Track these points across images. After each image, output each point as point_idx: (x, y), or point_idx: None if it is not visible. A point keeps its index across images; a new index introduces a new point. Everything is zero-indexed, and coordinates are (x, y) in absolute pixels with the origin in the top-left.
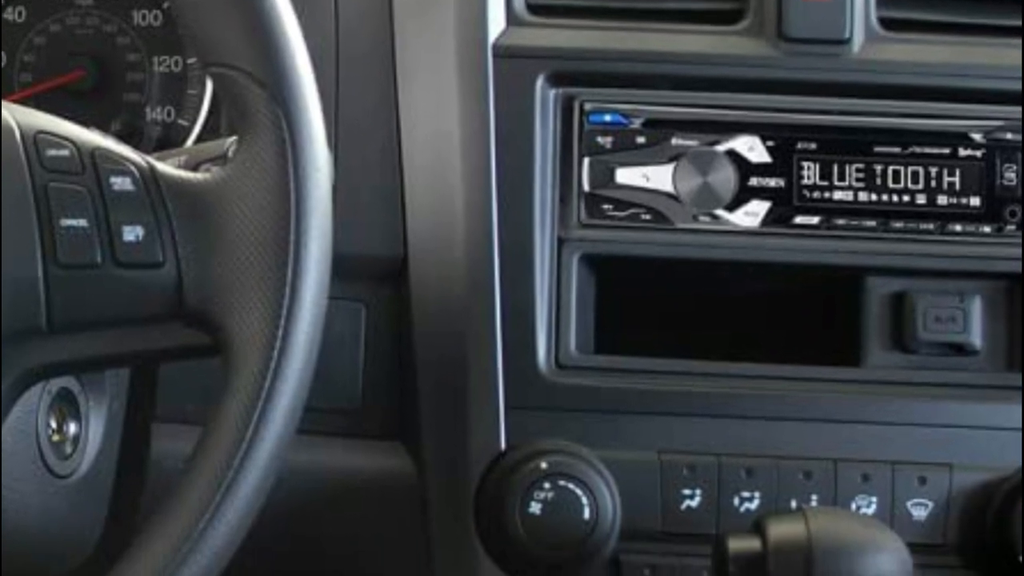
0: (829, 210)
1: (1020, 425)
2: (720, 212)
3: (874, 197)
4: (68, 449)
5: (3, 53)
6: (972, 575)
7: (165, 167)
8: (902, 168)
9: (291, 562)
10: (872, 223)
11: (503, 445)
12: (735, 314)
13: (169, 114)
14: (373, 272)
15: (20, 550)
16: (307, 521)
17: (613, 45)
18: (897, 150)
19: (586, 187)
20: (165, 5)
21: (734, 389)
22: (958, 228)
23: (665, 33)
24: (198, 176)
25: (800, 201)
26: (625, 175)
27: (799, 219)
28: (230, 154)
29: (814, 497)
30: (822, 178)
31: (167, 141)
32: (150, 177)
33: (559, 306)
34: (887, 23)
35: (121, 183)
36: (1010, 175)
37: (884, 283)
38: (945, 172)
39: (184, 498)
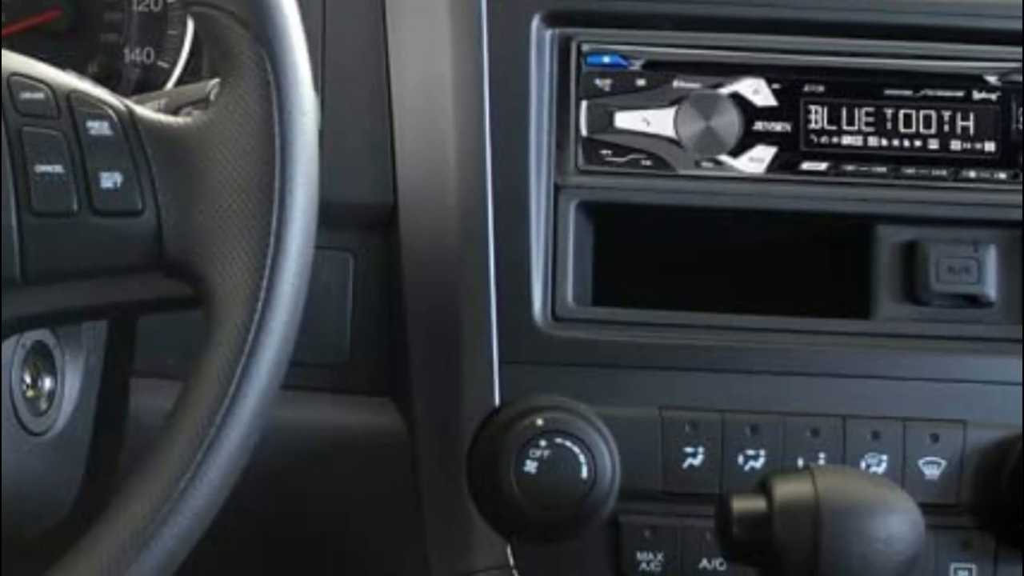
0: (838, 156)
1: None
2: (724, 158)
3: (884, 142)
4: (43, 405)
5: None
6: (986, 536)
7: (144, 111)
8: (914, 112)
9: (276, 523)
10: (882, 169)
11: (497, 401)
12: (739, 264)
13: (148, 56)
14: (361, 220)
15: None
16: (293, 480)
17: None
18: (908, 93)
19: (584, 132)
20: None
21: (738, 342)
22: (972, 174)
23: None
24: (179, 120)
25: (807, 146)
26: (624, 119)
27: (806, 165)
28: (212, 97)
29: (822, 455)
30: (830, 122)
31: (146, 84)
32: (128, 121)
33: (555, 256)
34: None
35: (98, 127)
36: None
37: (895, 232)
38: (959, 116)
39: (164, 456)
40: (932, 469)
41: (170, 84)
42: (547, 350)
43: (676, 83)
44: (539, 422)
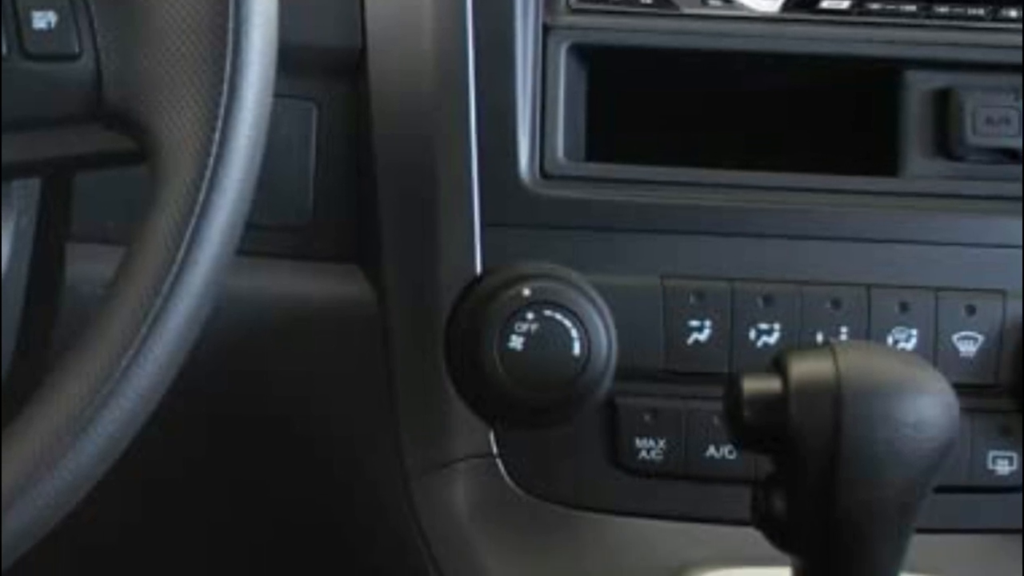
0: None
1: None
2: None
3: None
4: None
5: None
6: None
7: None
8: None
9: (230, 405)
10: (912, 7)
11: (479, 268)
12: (751, 115)
13: None
14: (326, 65)
15: None
16: (248, 357)
17: None
18: None
19: None
20: None
21: (750, 202)
22: (1012, 13)
23: None
24: None
25: None
26: None
27: (826, 2)
28: None
29: (843, 329)
30: None
31: None
32: None
33: (544, 105)
34: None
35: None
36: None
37: (926, 78)
38: None
39: (104, 331)
40: (967, 345)
41: None
42: (535, 211)
43: None
44: (526, 292)
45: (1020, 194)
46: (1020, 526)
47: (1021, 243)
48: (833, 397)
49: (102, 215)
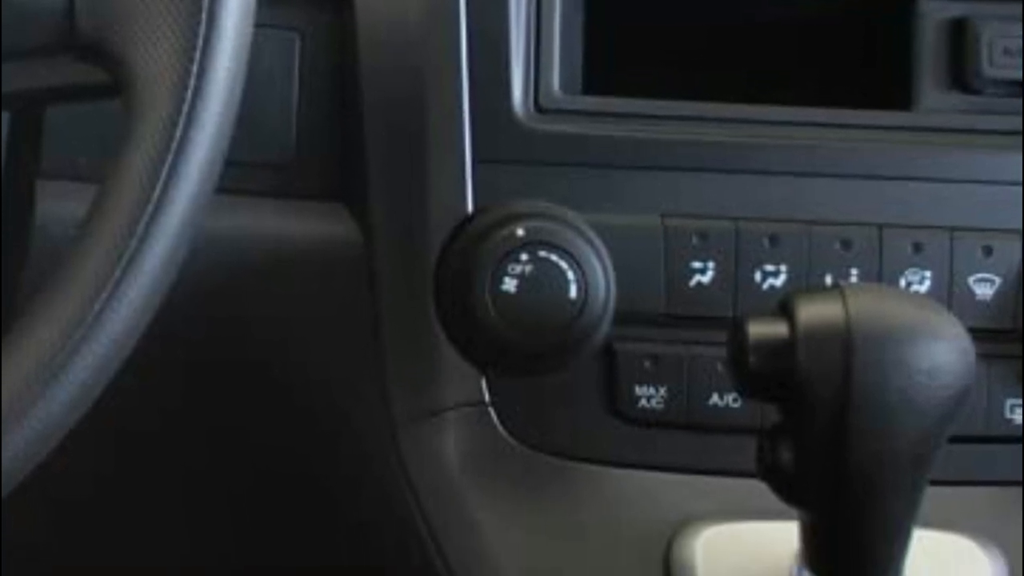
0: None
1: None
2: None
3: None
4: None
5: None
6: None
7: None
8: None
9: (208, 351)
10: None
11: (470, 207)
12: (757, 49)
13: None
14: None
15: None
16: (228, 300)
17: None
18: None
19: None
20: None
21: (755, 138)
22: None
23: None
24: None
25: None
26: None
27: None
28: None
29: (854, 271)
30: None
31: None
32: None
33: (539, 34)
34: None
35: None
36: None
37: (940, 7)
38: None
39: (76, 273)
40: (984, 288)
41: None
42: (529, 146)
43: None
44: (519, 232)
45: None
46: None
47: None
48: (843, 342)
49: (74, 151)
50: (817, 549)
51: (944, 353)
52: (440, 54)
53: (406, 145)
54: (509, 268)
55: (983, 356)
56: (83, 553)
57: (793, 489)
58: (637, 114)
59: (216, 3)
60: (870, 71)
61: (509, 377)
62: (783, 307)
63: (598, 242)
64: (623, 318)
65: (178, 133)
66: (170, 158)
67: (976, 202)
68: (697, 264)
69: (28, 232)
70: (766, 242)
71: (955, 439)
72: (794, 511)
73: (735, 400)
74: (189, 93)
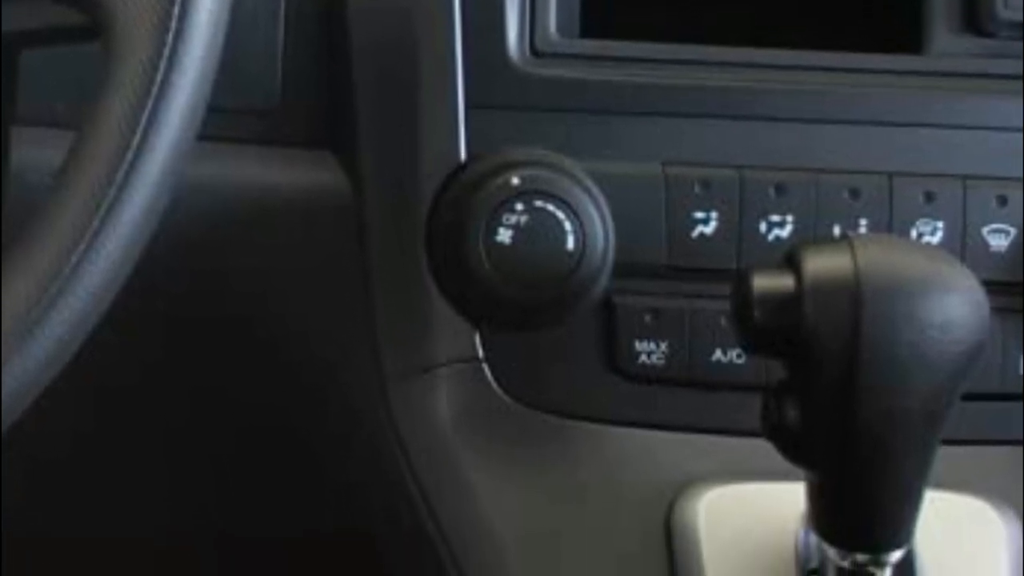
0: None
1: None
2: None
3: None
4: None
5: None
6: None
7: None
8: None
9: (189, 305)
10: None
11: (463, 155)
12: None
13: None
14: None
15: None
16: (210, 252)
17: None
18: None
19: None
20: None
21: (761, 83)
22: None
23: None
24: None
25: None
26: None
27: None
28: None
29: (863, 222)
30: None
31: None
32: None
33: None
34: None
35: None
36: None
37: None
38: None
39: (53, 223)
40: (998, 239)
41: None
42: (524, 92)
43: None
44: (515, 181)
45: None
46: None
47: None
48: (851, 295)
49: (51, 96)
50: (824, 511)
51: (957, 306)
52: None
53: (396, 90)
54: (504, 218)
55: (997, 310)
56: (59, 517)
57: (799, 448)
58: (637, 58)
59: None
60: (880, 13)
61: (504, 332)
62: (789, 259)
63: (596, 191)
64: (622, 270)
65: (159, 77)
66: (150, 103)
67: (990, 149)
68: (700, 214)
69: (3, 181)
70: (772, 191)
71: (968, 396)
72: (800, 471)
73: (739, 356)
74: (170, 36)
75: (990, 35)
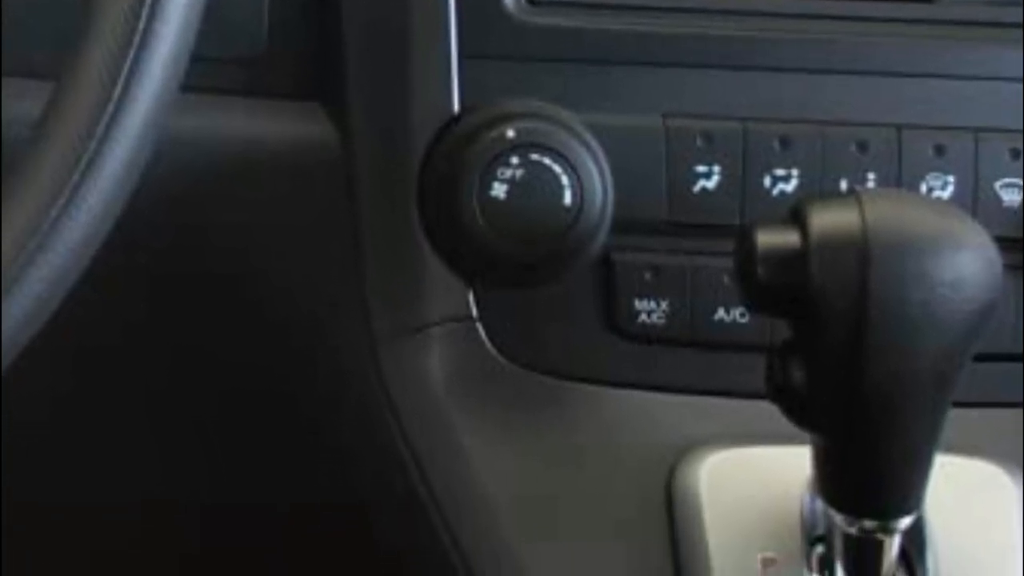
0: None
1: None
2: None
3: None
4: None
5: None
6: None
7: None
8: None
9: (172, 261)
10: None
11: (456, 107)
12: None
13: None
14: None
15: None
16: (194, 207)
17: None
18: None
19: None
20: None
21: (765, 32)
22: None
23: None
24: None
25: None
26: None
27: None
28: None
29: (871, 176)
30: None
31: None
32: None
33: None
34: None
35: None
36: None
37: None
38: None
39: (31, 177)
40: (1011, 193)
41: None
42: (520, 41)
43: None
44: (510, 133)
45: None
46: None
47: None
48: (859, 252)
49: (30, 46)
50: (830, 476)
51: (968, 264)
52: None
53: (387, 39)
54: (498, 172)
55: (1010, 267)
56: (37, 482)
57: (805, 411)
58: (637, 6)
59: None
60: None
61: (498, 290)
62: (794, 214)
63: (595, 144)
64: (622, 226)
65: (141, 26)
66: (132, 53)
67: (1003, 100)
68: (702, 168)
69: None
70: (776, 144)
71: (980, 357)
72: (806, 435)
73: (742, 315)
74: None
75: None
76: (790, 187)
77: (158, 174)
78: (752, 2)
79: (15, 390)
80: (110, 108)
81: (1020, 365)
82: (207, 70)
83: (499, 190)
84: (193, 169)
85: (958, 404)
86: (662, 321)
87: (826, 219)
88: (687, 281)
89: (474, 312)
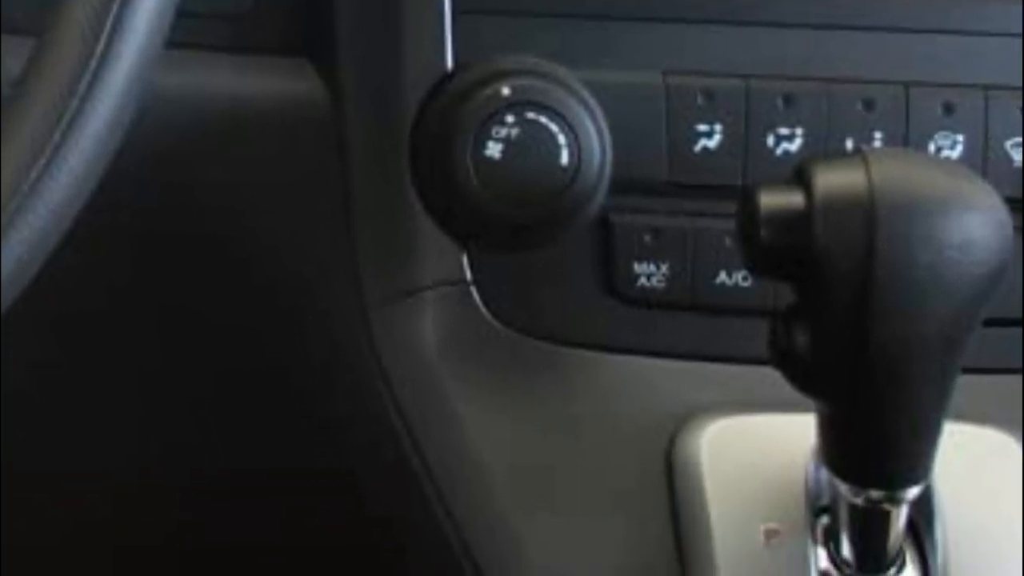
0: None
1: None
2: None
3: None
4: None
5: None
6: None
7: None
8: None
9: (157, 222)
10: None
11: (449, 63)
12: None
13: None
14: None
15: None
16: (180, 167)
17: None
18: None
19: None
20: None
21: None
22: None
23: None
24: None
25: None
26: None
27: None
28: None
29: (877, 135)
30: None
31: None
32: None
33: None
34: None
35: None
36: None
37: None
38: None
39: (11, 136)
40: (1022, 153)
41: None
42: None
43: None
44: (505, 91)
45: None
46: None
47: None
48: (865, 213)
49: (10, 4)
50: (836, 444)
51: (978, 226)
52: None
53: None
54: (493, 131)
55: (1021, 229)
56: (21, 450)
57: (810, 377)
58: None
59: None
60: None
61: (493, 252)
62: (799, 174)
63: (592, 102)
64: (620, 187)
65: None
66: (115, 7)
67: (1013, 57)
68: (703, 127)
69: None
70: (780, 102)
71: (990, 322)
72: (810, 402)
73: (745, 278)
74: None
75: None
76: (794, 146)
77: (143, 132)
78: None
79: None
80: (93, 64)
81: None
82: (193, 25)
83: (494, 149)
84: (178, 127)
85: (967, 370)
86: (662, 285)
87: (831, 179)
88: (688, 243)
89: (468, 275)
